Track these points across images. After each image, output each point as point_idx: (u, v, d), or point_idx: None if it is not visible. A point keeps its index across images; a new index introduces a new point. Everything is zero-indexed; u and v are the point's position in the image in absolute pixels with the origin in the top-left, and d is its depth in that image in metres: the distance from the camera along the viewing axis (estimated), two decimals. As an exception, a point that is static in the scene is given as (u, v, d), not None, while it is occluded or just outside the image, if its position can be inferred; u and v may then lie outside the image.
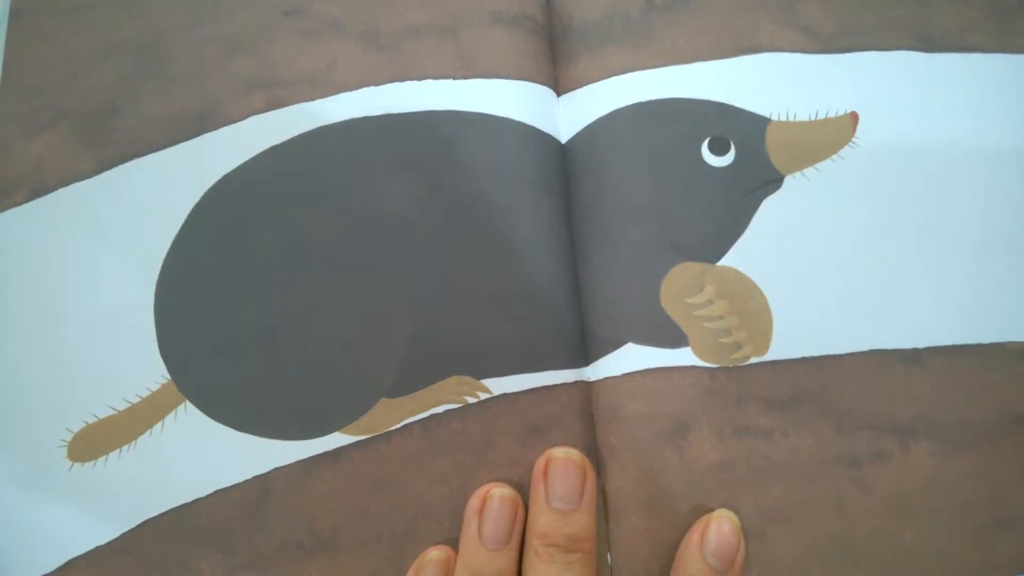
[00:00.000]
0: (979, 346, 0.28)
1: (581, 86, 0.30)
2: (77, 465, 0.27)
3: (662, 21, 0.30)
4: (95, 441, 0.27)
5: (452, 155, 0.28)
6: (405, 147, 0.28)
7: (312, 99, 0.29)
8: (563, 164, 0.29)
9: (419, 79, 0.29)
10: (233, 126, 0.29)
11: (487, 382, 0.27)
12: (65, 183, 0.29)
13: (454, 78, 0.29)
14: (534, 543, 0.25)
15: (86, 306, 0.28)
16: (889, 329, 0.28)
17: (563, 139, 0.30)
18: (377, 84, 0.29)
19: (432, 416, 0.27)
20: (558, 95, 0.30)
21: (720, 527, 0.25)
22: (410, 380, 0.27)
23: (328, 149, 0.29)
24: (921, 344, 0.28)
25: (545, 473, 0.26)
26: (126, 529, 0.26)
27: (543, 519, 0.25)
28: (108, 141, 0.29)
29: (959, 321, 0.28)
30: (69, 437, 0.27)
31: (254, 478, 0.26)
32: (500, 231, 0.28)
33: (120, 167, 0.29)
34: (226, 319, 0.27)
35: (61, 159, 0.29)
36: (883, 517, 0.26)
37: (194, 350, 0.27)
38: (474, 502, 0.26)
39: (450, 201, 0.28)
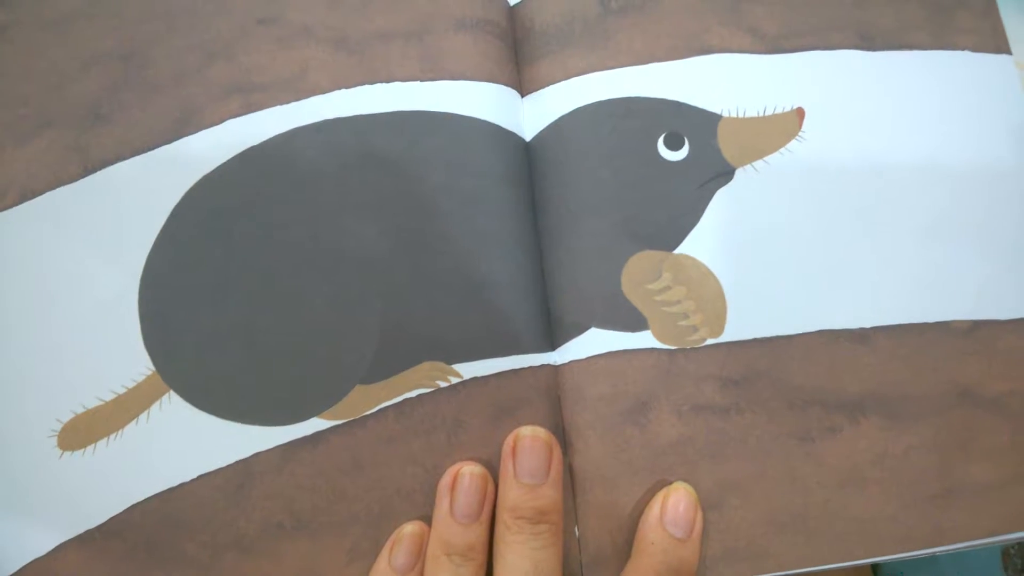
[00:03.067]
0: (924, 325, 0.29)
1: (544, 87, 0.31)
2: (67, 453, 0.27)
3: (618, 25, 0.31)
4: (84, 430, 0.27)
5: (420, 152, 0.29)
6: (375, 145, 0.29)
7: (286, 102, 0.30)
8: (527, 160, 0.31)
9: (387, 81, 0.30)
10: (211, 129, 0.30)
11: (458, 367, 0.28)
12: (52, 187, 0.30)
13: (421, 80, 0.30)
14: (504, 516, 0.26)
15: (74, 303, 0.29)
16: (837, 310, 0.29)
17: (527, 137, 0.31)
18: (348, 87, 0.30)
19: (406, 400, 0.28)
20: (522, 96, 0.31)
21: (677, 498, 0.26)
22: (384, 366, 0.28)
23: (302, 149, 0.29)
24: (868, 324, 0.29)
25: (514, 450, 0.27)
26: (115, 513, 0.27)
27: (512, 494, 0.26)
28: (92, 146, 0.30)
29: (904, 301, 0.29)
30: (59, 427, 0.28)
31: (236, 463, 0.27)
32: (468, 224, 0.29)
33: (104, 170, 0.30)
34: (207, 312, 0.28)
35: (48, 164, 0.30)
36: (835, 488, 0.27)
37: (177, 342, 0.28)
38: (446, 479, 0.27)
39: (419, 195, 0.29)
